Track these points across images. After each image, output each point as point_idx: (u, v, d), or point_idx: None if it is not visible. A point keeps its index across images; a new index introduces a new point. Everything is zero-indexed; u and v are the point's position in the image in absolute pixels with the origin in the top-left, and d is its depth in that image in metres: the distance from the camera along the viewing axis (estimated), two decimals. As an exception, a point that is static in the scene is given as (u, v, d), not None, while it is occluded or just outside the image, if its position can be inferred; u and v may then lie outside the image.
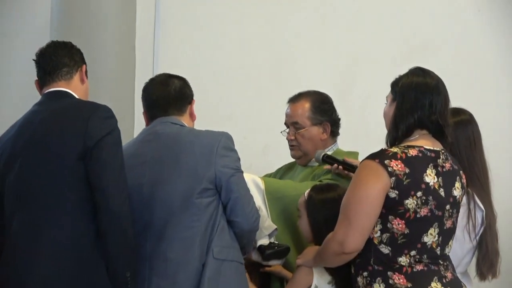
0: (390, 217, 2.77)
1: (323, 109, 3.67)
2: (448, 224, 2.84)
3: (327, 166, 3.48)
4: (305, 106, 3.66)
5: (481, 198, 3.20)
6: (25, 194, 2.88)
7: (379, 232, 2.78)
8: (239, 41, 5.30)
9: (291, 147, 3.69)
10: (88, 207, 2.82)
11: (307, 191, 3.23)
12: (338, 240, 2.75)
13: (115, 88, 4.97)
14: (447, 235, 2.85)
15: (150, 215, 3.02)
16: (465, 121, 3.25)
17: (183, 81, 3.26)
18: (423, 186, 2.75)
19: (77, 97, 3.03)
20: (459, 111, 3.27)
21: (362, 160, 2.84)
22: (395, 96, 2.89)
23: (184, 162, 3.02)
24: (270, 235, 3.29)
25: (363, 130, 4.99)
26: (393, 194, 2.74)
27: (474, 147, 3.22)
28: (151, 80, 3.30)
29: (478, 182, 3.20)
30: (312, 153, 3.60)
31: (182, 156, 3.03)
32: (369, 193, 2.73)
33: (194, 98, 3.30)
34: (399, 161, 2.75)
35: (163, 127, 3.14)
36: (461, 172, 2.93)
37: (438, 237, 2.81)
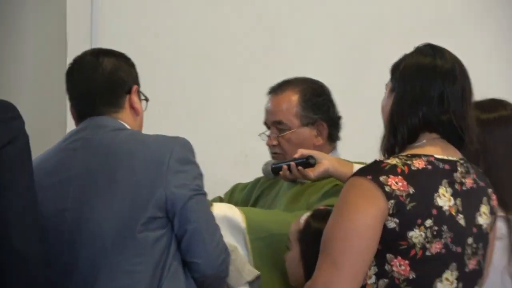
0: (388, 255, 2.03)
1: (316, 104, 2.85)
2: (472, 264, 2.10)
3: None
4: (292, 99, 2.84)
5: None
6: None
7: (373, 277, 2.04)
8: (210, 8, 4.10)
9: (273, 155, 2.89)
10: None
11: (303, 217, 2.44)
12: None
13: (39, 72, 4.01)
14: (470, 280, 2.11)
15: (74, 256, 2.24)
16: (505, 118, 2.45)
17: (117, 59, 2.44)
18: (434, 211, 2.03)
19: None
20: (496, 104, 2.48)
21: (350, 177, 2.08)
22: (394, 85, 2.15)
23: (121, 181, 2.25)
24: (251, 284, 2.51)
25: (375, 133, 3.99)
26: (392, 223, 2.01)
27: None
28: (75, 61, 2.48)
29: None
30: None
31: (120, 173, 2.26)
32: (359, 224, 2.00)
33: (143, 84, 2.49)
34: (399, 177, 2.02)
35: (92, 132, 2.35)
36: (489, 190, 2.18)
37: (458, 283, 2.07)
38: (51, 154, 2.39)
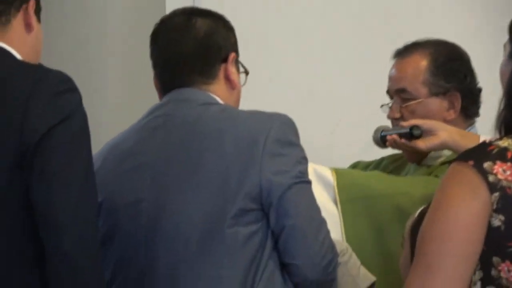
0: (494, 259, 1.68)
1: (450, 70, 2.43)
2: None
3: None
4: (421, 63, 2.44)
5: None
6: None
7: (479, 283, 1.70)
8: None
9: None
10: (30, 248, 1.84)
11: (418, 211, 2.02)
12: None
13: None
14: None
15: (151, 257, 1.97)
16: None
17: (214, 20, 2.13)
18: None
19: (17, 55, 1.94)
20: None
21: (451, 162, 1.74)
22: None
23: (208, 167, 1.96)
24: None
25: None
26: (497, 221, 1.65)
27: None
28: (162, 21, 2.16)
29: None
30: None
31: (206, 157, 1.97)
32: (458, 221, 1.66)
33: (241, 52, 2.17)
34: (509, 164, 1.65)
35: (177, 107, 2.06)
36: None
37: None
38: (128, 135, 2.12)
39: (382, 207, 2.26)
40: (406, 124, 2.33)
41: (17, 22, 1.96)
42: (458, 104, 2.45)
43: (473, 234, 1.65)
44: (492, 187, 1.63)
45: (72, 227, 1.80)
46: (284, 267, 1.98)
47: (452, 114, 2.44)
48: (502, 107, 1.77)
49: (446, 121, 2.43)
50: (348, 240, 2.22)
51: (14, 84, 1.85)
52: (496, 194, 1.63)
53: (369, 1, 3.75)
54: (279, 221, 1.94)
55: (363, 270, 2.17)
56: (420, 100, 2.43)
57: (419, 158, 2.45)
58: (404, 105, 2.45)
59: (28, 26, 1.98)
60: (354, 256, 2.20)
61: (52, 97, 1.82)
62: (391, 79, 2.51)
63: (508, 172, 1.64)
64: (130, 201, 2.01)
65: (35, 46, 2.03)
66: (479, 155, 1.67)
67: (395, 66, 2.50)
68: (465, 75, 2.46)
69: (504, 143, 1.68)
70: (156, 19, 2.21)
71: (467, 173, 1.66)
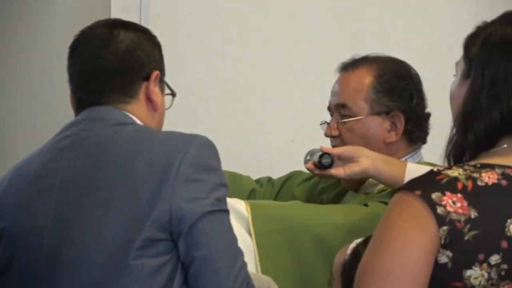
0: (440, 299, 1.54)
1: (396, 88, 2.29)
2: None
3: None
4: (365, 79, 2.31)
5: None
6: None
7: None
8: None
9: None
10: None
11: (352, 245, 1.82)
12: None
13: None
14: None
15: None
16: None
17: (138, 34, 1.95)
18: (504, 244, 1.52)
19: None
20: None
21: (396, 191, 1.61)
22: (469, 68, 1.64)
23: (116, 192, 1.77)
24: None
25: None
26: (444, 257, 1.52)
27: None
28: (82, 32, 1.97)
29: None
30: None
31: (115, 181, 1.78)
32: (404, 257, 1.53)
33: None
34: (459, 195, 1.52)
35: (87, 126, 1.87)
36: None
37: None
38: (36, 155, 1.92)
39: (301, 239, 2.10)
40: (325, 149, 2.19)
41: None
42: (401, 126, 2.30)
43: (419, 272, 1.51)
44: (441, 220, 1.50)
45: None
46: None
47: (393, 136, 2.30)
48: (452, 133, 1.65)
49: (386, 142, 2.30)
50: (264, 273, 2.04)
51: None
52: (445, 227, 1.50)
53: (331, 10, 3.67)
54: (189, 252, 1.76)
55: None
56: (359, 117, 2.29)
57: (357, 184, 2.31)
58: (342, 122, 2.31)
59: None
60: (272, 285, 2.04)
61: None
62: (332, 93, 2.37)
63: (458, 205, 1.51)
64: (32, 228, 1.82)
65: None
66: (427, 184, 1.54)
67: (338, 80, 2.36)
68: (411, 96, 2.31)
69: (454, 172, 1.55)
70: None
71: (413, 204, 1.52)
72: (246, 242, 2.07)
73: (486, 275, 1.50)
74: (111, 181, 1.78)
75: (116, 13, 3.38)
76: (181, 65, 3.38)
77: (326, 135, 2.35)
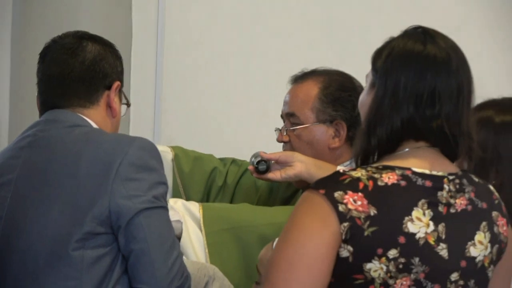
0: (342, 291, 1.63)
1: (339, 99, 2.44)
2: None
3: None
4: (311, 90, 2.47)
5: None
6: None
7: None
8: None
9: None
10: None
11: (275, 242, 1.92)
12: None
13: None
14: None
15: (1, 275, 1.94)
16: None
17: (104, 47, 2.12)
18: (402, 239, 1.61)
19: None
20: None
21: (304, 190, 1.71)
22: (375, 78, 1.74)
23: (62, 188, 1.93)
24: None
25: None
26: (345, 252, 1.61)
27: None
28: (53, 41, 2.14)
29: None
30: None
31: (61, 178, 1.93)
32: (309, 250, 1.62)
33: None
34: (359, 194, 1.62)
35: (45, 127, 2.04)
36: (495, 214, 1.74)
37: None
38: (1, 153, 2.11)
39: (247, 237, 2.27)
40: (263, 155, 2.35)
41: None
42: (343, 132, 2.45)
43: (320, 264, 1.61)
44: (342, 217, 1.59)
45: None
46: None
47: (336, 142, 2.45)
48: (359, 137, 1.75)
49: (330, 148, 2.45)
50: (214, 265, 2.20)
51: None
52: (346, 224, 1.59)
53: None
54: (127, 245, 1.90)
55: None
56: (306, 125, 2.44)
57: (305, 184, 2.43)
58: (291, 129, 2.46)
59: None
60: (226, 282, 2.19)
61: None
62: (284, 103, 2.52)
63: (359, 203, 1.60)
64: None
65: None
66: (331, 184, 1.63)
67: (289, 91, 2.52)
68: (354, 106, 2.44)
69: (357, 173, 1.65)
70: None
71: (317, 202, 1.62)
72: (199, 239, 2.26)
73: (385, 268, 1.60)
74: (58, 178, 1.93)
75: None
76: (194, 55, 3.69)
77: (278, 140, 2.51)
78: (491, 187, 1.79)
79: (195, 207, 2.30)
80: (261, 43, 3.99)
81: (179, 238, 2.25)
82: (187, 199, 2.53)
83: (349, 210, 1.60)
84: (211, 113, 3.88)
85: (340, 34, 3.90)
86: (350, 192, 1.61)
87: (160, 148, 2.43)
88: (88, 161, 1.92)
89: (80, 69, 2.06)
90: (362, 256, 1.60)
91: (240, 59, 3.95)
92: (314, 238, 1.61)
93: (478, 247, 1.68)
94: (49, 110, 2.07)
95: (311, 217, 1.62)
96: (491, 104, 2.07)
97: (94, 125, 2.06)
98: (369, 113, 1.72)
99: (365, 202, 1.60)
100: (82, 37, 2.12)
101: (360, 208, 1.60)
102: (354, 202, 1.61)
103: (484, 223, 1.70)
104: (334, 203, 1.60)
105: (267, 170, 2.34)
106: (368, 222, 1.59)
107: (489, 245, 1.70)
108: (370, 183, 1.62)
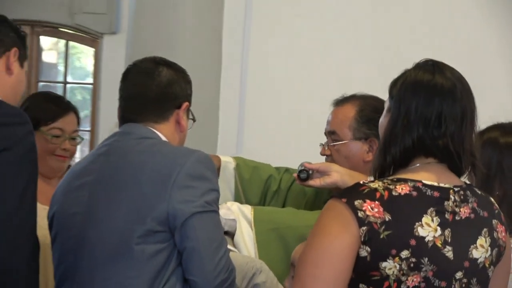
0: (361, 285, 1.88)
1: (372, 120, 2.69)
2: None
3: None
4: (349, 112, 2.78)
5: None
6: None
7: None
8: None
9: None
10: None
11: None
12: None
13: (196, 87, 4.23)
14: None
15: (76, 260, 2.25)
16: None
17: (177, 73, 2.41)
18: (413, 242, 1.85)
19: None
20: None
21: (329, 199, 1.96)
22: (390, 104, 2.01)
23: (128, 191, 2.22)
24: None
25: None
26: (364, 252, 1.86)
27: None
28: (134, 64, 2.46)
29: None
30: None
31: (128, 182, 2.23)
32: (333, 250, 1.86)
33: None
34: (376, 202, 1.86)
35: (120, 138, 2.34)
36: (495, 222, 1.98)
37: None
38: (85, 158, 2.44)
39: (288, 237, 2.55)
40: (306, 165, 2.64)
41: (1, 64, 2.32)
42: (376, 148, 2.72)
43: (343, 262, 1.85)
44: (361, 222, 1.84)
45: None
46: (187, 282, 2.22)
47: (370, 156, 2.72)
48: (377, 154, 2.01)
49: (365, 161, 2.73)
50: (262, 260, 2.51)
51: None
52: (364, 228, 1.84)
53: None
54: (181, 243, 2.18)
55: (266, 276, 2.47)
56: (345, 142, 2.75)
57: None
58: (331, 144, 2.77)
59: (8, 70, 2.34)
60: (271, 274, 2.47)
61: None
62: (327, 122, 2.84)
63: (376, 210, 1.85)
64: (69, 214, 2.30)
65: (15, 87, 2.37)
66: (352, 193, 1.89)
67: (332, 112, 2.84)
68: None
69: (375, 185, 1.90)
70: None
71: (340, 209, 1.87)
72: (250, 237, 2.58)
73: (398, 266, 1.84)
74: (125, 183, 2.24)
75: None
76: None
77: (321, 154, 2.83)
78: (492, 199, 2.03)
79: (248, 210, 2.62)
80: (340, 70, 4.45)
81: (233, 234, 2.56)
82: (247, 202, 2.86)
83: (367, 216, 1.84)
84: (286, 131, 4.47)
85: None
86: (368, 201, 1.86)
87: (225, 159, 2.88)
88: (151, 169, 2.21)
89: (155, 91, 2.36)
90: (378, 256, 1.84)
91: (315, 86, 4.41)
92: (336, 240, 1.85)
93: (480, 250, 1.92)
94: (126, 123, 2.37)
95: (334, 222, 1.87)
96: (498, 127, 2.32)
97: (163, 138, 2.35)
98: (385, 133, 1.98)
99: (381, 209, 1.85)
100: (159, 63, 2.42)
101: (377, 215, 1.84)
102: (371, 209, 1.85)
103: (485, 229, 1.94)
104: (354, 210, 1.85)
105: (308, 178, 2.63)
106: (383, 227, 1.84)
107: (489, 248, 1.94)
108: (386, 193, 1.87)
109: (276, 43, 4.76)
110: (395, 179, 1.92)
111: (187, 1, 4.47)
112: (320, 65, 4.73)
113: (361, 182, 1.92)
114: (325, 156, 2.83)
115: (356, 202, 1.86)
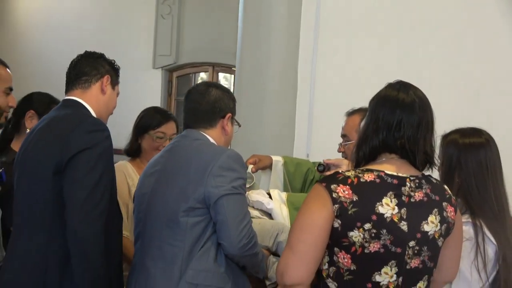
0: (335, 249, 2.44)
1: None
2: (414, 263, 2.44)
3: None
4: (356, 120, 3.52)
5: (494, 230, 2.73)
6: (16, 202, 2.96)
7: (326, 264, 2.47)
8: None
9: None
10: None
11: None
12: (279, 271, 2.48)
13: (278, 101, 5.60)
14: (412, 275, 2.45)
15: (144, 226, 3.02)
16: (476, 144, 2.83)
17: (223, 92, 3.14)
18: (374, 217, 2.39)
19: (88, 107, 3.02)
20: (474, 132, 2.84)
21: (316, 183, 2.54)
22: (366, 113, 2.56)
23: (180, 178, 2.92)
24: None
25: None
26: (336, 223, 2.41)
27: (486, 173, 2.76)
28: (192, 88, 3.21)
29: (491, 212, 2.74)
30: None
31: (181, 171, 2.93)
32: (313, 221, 2.42)
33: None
34: (347, 186, 2.42)
35: (181, 139, 3.09)
36: (444, 204, 2.51)
37: (397, 277, 2.43)
38: (159, 153, 3.16)
39: None
40: (325, 160, 3.45)
41: (96, 87, 3.11)
42: None
43: (320, 230, 2.40)
44: (334, 200, 2.39)
45: (79, 212, 2.72)
46: (219, 245, 2.89)
47: None
48: (353, 150, 2.57)
49: None
50: None
51: (66, 123, 2.88)
52: (337, 205, 2.39)
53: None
54: (215, 216, 2.85)
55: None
56: (353, 141, 3.49)
57: None
58: (344, 144, 3.59)
59: (102, 91, 3.11)
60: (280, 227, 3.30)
61: (85, 133, 2.80)
62: (342, 128, 3.65)
63: (346, 192, 2.39)
64: (142, 193, 3.06)
65: (107, 104, 3.14)
66: (330, 179, 2.45)
67: (345, 120, 3.66)
68: None
69: (349, 173, 2.45)
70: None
71: (320, 191, 2.43)
72: (283, 213, 3.42)
73: (362, 235, 2.37)
74: (178, 172, 2.93)
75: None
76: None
77: (338, 151, 3.64)
78: (445, 186, 2.55)
79: (284, 195, 3.49)
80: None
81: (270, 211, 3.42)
82: (292, 189, 3.81)
83: (339, 197, 2.39)
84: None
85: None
86: (341, 185, 2.41)
87: (276, 158, 3.85)
88: (197, 163, 2.89)
89: (206, 105, 3.09)
90: (347, 227, 2.38)
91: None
92: (316, 214, 2.41)
93: (430, 225, 2.45)
94: (186, 129, 3.10)
95: (315, 200, 2.43)
96: (458, 131, 2.89)
97: (212, 140, 3.06)
98: (359, 135, 2.53)
99: (351, 192, 2.39)
100: (210, 85, 3.16)
101: (347, 196, 2.39)
102: (343, 191, 2.40)
103: (435, 209, 2.47)
104: (330, 192, 2.40)
105: (324, 170, 3.43)
106: (351, 205, 2.38)
107: (439, 224, 2.46)
108: (355, 180, 2.41)
109: (339, 75, 5.67)
110: (364, 169, 2.46)
111: (272, 39, 5.62)
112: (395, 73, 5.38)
113: (340, 171, 2.49)
114: (341, 153, 3.57)
115: (332, 186, 2.41)
